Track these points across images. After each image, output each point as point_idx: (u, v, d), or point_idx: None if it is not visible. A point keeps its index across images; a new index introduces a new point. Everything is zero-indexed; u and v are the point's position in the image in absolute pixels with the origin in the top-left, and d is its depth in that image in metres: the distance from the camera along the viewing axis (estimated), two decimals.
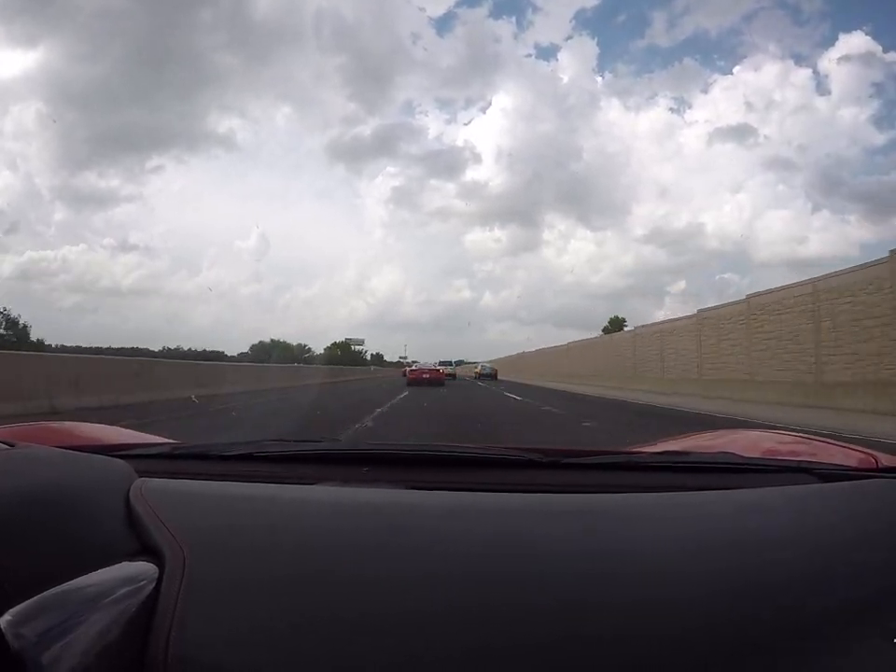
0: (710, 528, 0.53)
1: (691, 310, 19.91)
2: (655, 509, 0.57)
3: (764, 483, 0.66)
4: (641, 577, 0.45)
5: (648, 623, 0.42)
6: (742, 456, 0.77)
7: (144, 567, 0.45)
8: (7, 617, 0.37)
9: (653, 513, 0.56)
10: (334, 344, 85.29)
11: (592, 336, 38.57)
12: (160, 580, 0.44)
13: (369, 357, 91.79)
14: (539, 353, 47.04)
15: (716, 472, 0.73)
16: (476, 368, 45.29)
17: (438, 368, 27.51)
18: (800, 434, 0.99)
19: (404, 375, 33.50)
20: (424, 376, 23.22)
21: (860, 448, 0.80)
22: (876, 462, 0.72)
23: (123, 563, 0.45)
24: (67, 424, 1.12)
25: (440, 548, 0.48)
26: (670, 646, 0.40)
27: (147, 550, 0.47)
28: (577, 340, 37.48)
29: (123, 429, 1.15)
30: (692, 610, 0.43)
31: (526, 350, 56.20)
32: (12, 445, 0.61)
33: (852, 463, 0.74)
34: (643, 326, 25.05)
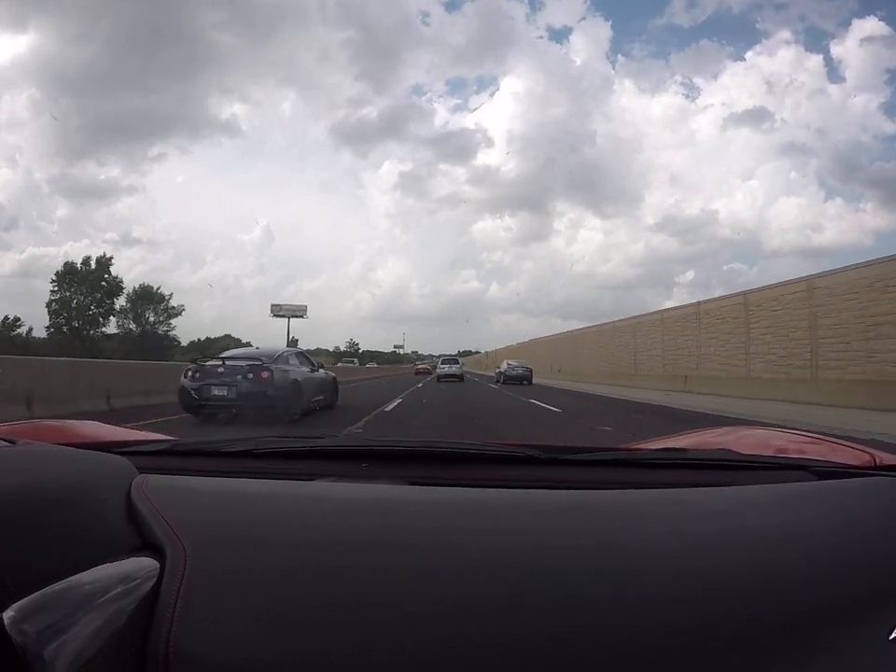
0: (708, 525, 0.53)
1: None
2: (653, 505, 0.57)
3: (762, 480, 0.67)
4: (639, 573, 0.45)
5: (645, 618, 0.42)
6: (740, 454, 0.78)
7: (145, 563, 0.45)
8: (9, 613, 0.37)
9: (651, 510, 0.56)
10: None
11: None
12: (161, 575, 0.44)
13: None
14: (568, 338, 33.24)
15: (714, 469, 0.73)
16: (499, 365, 27.61)
17: (427, 366, 36.85)
18: (799, 432, 0.99)
19: (417, 374, 35.55)
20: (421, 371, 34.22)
21: (858, 446, 0.80)
22: (875, 460, 0.72)
23: (124, 559, 0.45)
24: (67, 422, 1.12)
25: (439, 543, 0.49)
26: (667, 642, 0.41)
27: (147, 545, 0.47)
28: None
29: (122, 427, 1.15)
30: (689, 607, 0.43)
31: (535, 337, 43.25)
32: (13, 442, 0.61)
33: (850, 461, 0.74)
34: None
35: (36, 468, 0.51)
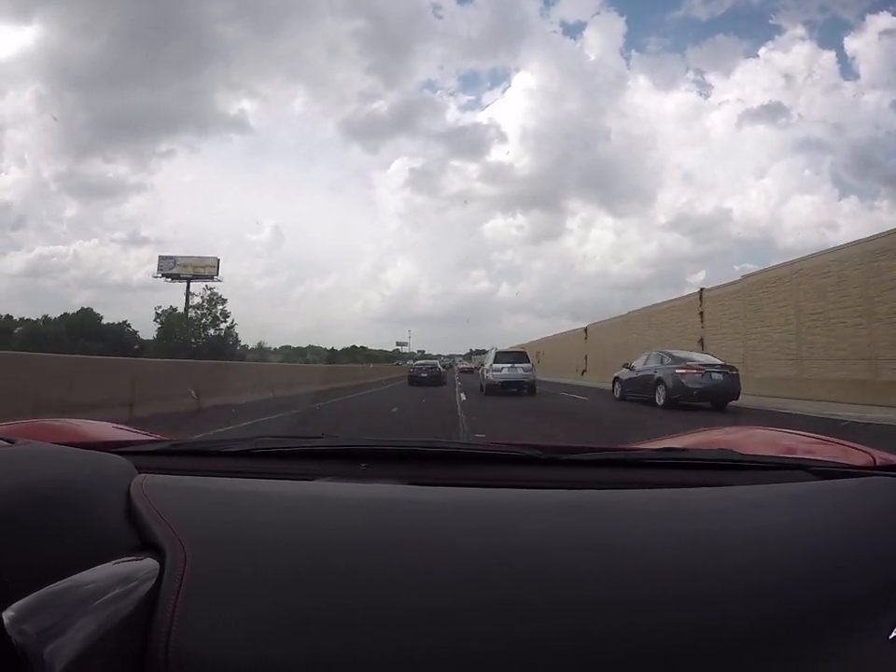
0: (708, 525, 0.53)
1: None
2: (653, 505, 0.57)
3: (762, 480, 0.67)
4: (640, 572, 0.45)
5: (646, 618, 0.42)
6: (740, 454, 0.78)
7: (145, 563, 0.45)
8: (9, 612, 0.37)
9: (651, 510, 0.56)
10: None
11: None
12: (160, 575, 0.44)
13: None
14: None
15: (714, 469, 0.73)
16: (630, 363, 12.24)
17: (471, 366, 41.04)
18: (800, 432, 0.99)
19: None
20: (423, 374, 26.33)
21: (858, 446, 0.80)
22: (874, 460, 0.72)
23: (124, 558, 0.45)
24: (66, 421, 1.12)
25: (439, 544, 0.49)
26: (668, 641, 0.41)
27: (147, 545, 0.47)
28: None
29: (121, 426, 1.15)
30: (689, 606, 0.43)
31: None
32: (12, 442, 0.61)
33: (850, 461, 0.74)
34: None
35: (35, 467, 0.51)
